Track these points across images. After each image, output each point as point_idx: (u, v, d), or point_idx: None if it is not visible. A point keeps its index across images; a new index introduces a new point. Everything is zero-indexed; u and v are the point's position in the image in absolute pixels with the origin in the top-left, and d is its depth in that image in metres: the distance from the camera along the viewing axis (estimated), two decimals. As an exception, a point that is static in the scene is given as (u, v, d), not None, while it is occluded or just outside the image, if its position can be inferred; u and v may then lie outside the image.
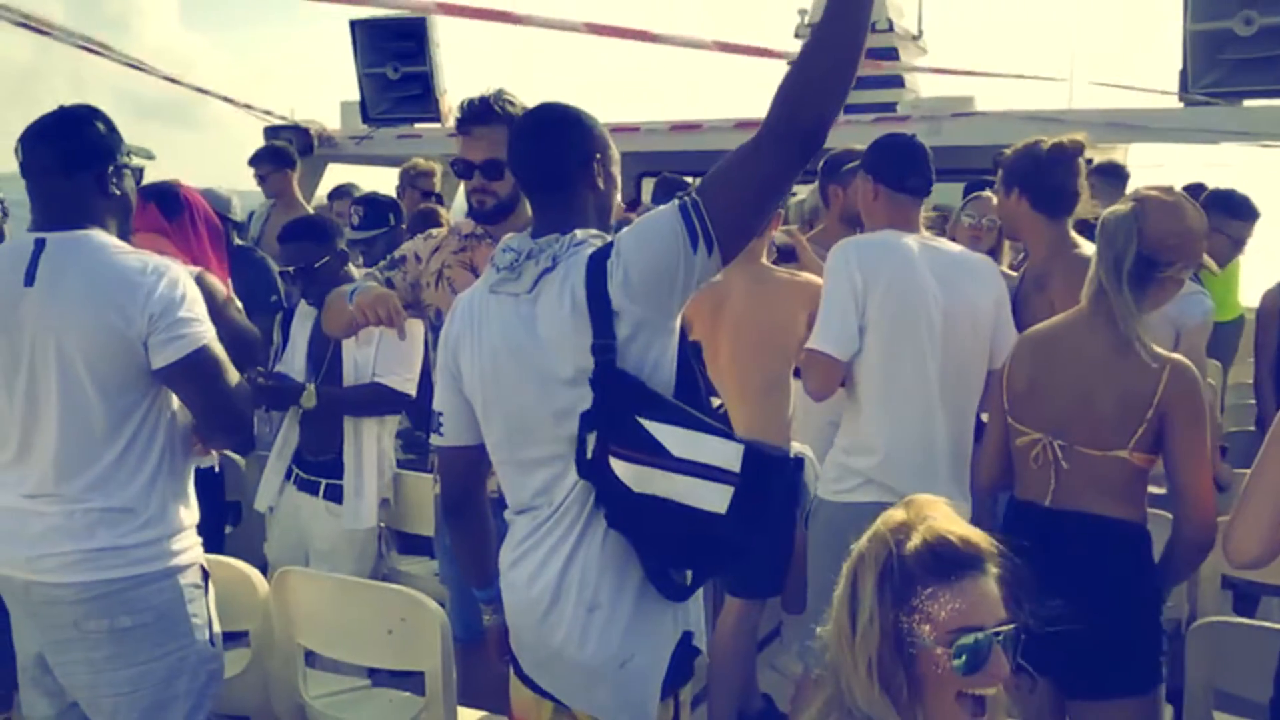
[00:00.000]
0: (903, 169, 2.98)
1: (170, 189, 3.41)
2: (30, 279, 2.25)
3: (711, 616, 3.36)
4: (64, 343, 2.23)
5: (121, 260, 2.27)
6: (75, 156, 2.32)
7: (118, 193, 2.38)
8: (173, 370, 2.26)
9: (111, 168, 2.36)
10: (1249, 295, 5.53)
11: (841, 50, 1.73)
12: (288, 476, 3.57)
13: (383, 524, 3.59)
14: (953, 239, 3.99)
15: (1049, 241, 3.01)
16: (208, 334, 2.31)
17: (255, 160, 5.93)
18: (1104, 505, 2.41)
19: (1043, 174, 2.95)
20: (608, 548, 1.90)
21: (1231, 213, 4.58)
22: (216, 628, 2.44)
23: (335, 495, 3.47)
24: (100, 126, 2.35)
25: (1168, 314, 3.57)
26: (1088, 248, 2.76)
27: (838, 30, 1.73)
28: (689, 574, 1.96)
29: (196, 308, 2.30)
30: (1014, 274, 3.44)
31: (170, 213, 3.36)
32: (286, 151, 6.10)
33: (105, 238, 2.31)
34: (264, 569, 3.25)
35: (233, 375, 2.36)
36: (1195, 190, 4.67)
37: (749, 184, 1.78)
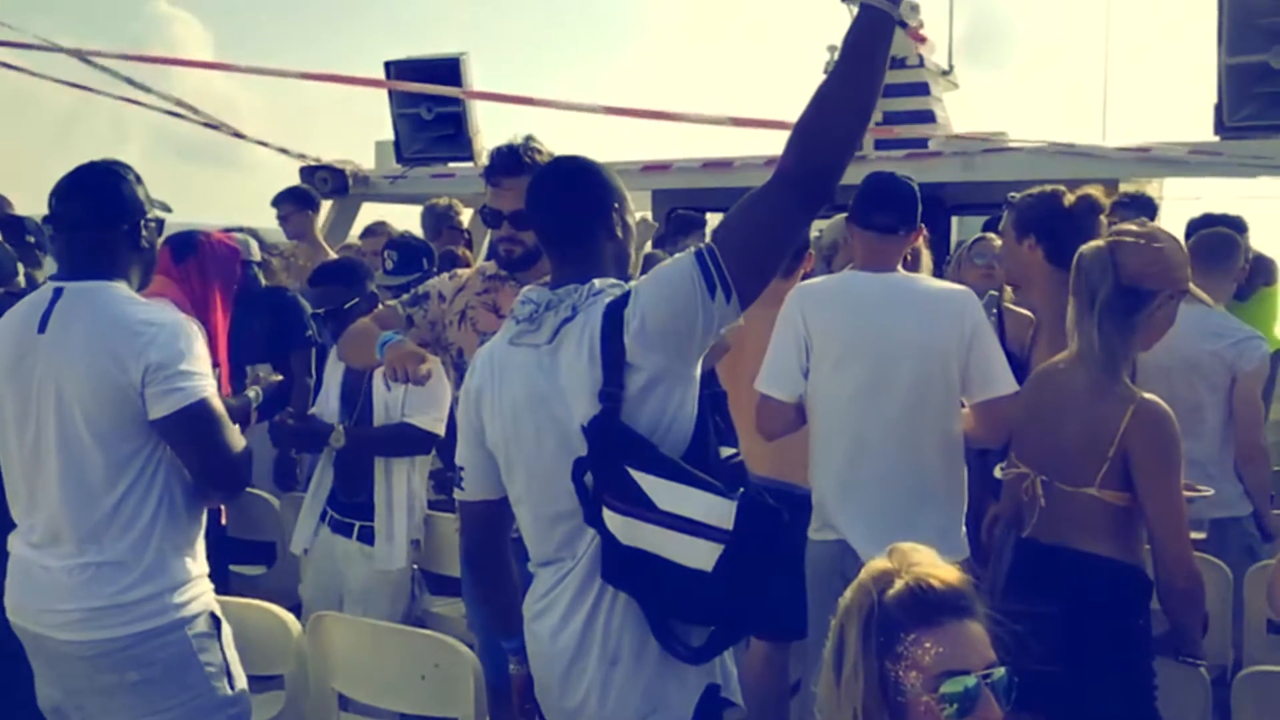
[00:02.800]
0: (869, 207, 2.96)
1: (190, 236, 3.48)
2: (43, 327, 2.30)
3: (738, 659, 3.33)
4: (63, 389, 2.26)
5: (127, 311, 2.29)
6: (111, 211, 2.36)
7: (146, 246, 2.43)
8: (168, 423, 2.26)
9: (143, 221, 2.40)
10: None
11: (854, 99, 1.73)
12: (322, 518, 3.58)
13: (415, 565, 3.59)
14: (961, 281, 3.97)
15: (1051, 290, 2.97)
16: (207, 389, 2.30)
17: (278, 201, 5.94)
18: (1085, 541, 2.38)
19: (1067, 227, 2.88)
20: (631, 601, 1.88)
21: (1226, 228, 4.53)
22: (237, 671, 2.42)
23: (369, 537, 3.48)
24: (133, 181, 2.40)
25: (1224, 358, 3.54)
26: None
27: (851, 80, 1.73)
28: (703, 635, 1.89)
29: (198, 362, 2.30)
30: (1027, 313, 3.38)
31: (178, 257, 3.42)
32: (309, 193, 6.11)
33: (120, 289, 2.34)
34: (299, 610, 3.25)
35: (231, 431, 2.35)
36: (1236, 223, 4.61)
37: (762, 230, 1.79)
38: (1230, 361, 3.53)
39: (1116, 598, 2.38)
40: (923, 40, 7.81)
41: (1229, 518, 3.58)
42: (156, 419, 2.26)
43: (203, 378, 2.31)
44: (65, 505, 2.27)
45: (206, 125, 5.93)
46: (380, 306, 3.60)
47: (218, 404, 2.33)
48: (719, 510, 1.77)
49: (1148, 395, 2.36)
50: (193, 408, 2.26)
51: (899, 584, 1.45)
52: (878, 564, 1.51)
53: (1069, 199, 2.93)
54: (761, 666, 3.40)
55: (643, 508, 1.77)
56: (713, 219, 8.31)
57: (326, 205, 8.28)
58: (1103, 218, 2.92)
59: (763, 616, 1.89)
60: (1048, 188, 3.00)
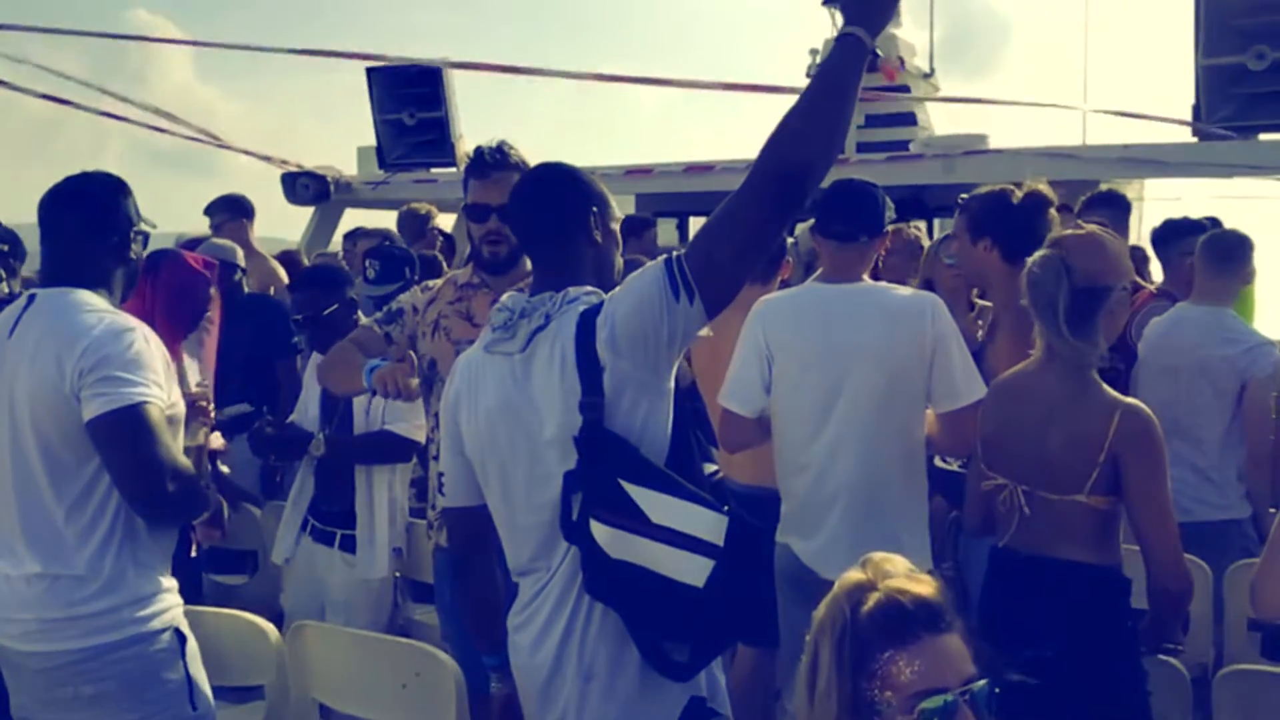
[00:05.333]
0: (828, 215, 2.93)
1: (159, 256, 3.45)
2: (12, 332, 2.29)
3: (725, 665, 3.32)
4: (15, 394, 2.24)
5: (79, 317, 2.25)
6: (102, 222, 2.35)
7: (134, 258, 2.41)
8: (95, 425, 2.18)
9: (133, 233, 2.39)
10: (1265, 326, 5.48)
11: (829, 112, 1.74)
12: (303, 527, 3.56)
13: (397, 573, 3.58)
14: (928, 282, 3.95)
15: (1009, 289, 2.96)
16: (144, 396, 2.20)
17: (211, 209, 5.70)
18: (1070, 550, 2.37)
19: (1020, 225, 2.84)
20: (607, 615, 1.86)
21: (1194, 233, 4.55)
22: (203, 690, 2.35)
23: (350, 546, 3.47)
24: (124, 193, 2.39)
25: (1236, 364, 3.54)
26: None
27: (828, 95, 1.75)
28: (688, 651, 1.87)
29: (138, 370, 2.21)
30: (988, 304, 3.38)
31: (143, 273, 3.39)
32: (242, 201, 5.89)
33: (87, 296, 2.31)
34: (281, 620, 3.23)
35: (164, 447, 2.22)
36: (1205, 226, 4.63)
37: (732, 236, 1.78)
38: (1242, 368, 3.53)
39: (1108, 604, 2.39)
40: (892, 75, 7.88)
41: (1230, 520, 3.58)
42: (87, 421, 2.19)
43: (140, 385, 2.20)
44: (17, 512, 2.24)
45: (189, 138, 5.88)
46: (358, 315, 3.58)
47: (154, 415, 2.21)
48: (712, 524, 1.76)
49: (1129, 400, 2.37)
50: (119, 412, 2.17)
51: (872, 599, 1.40)
52: (851, 576, 1.45)
53: (1017, 196, 2.90)
54: (748, 674, 3.38)
55: (635, 521, 1.76)
56: (694, 222, 8.33)
57: (307, 211, 8.27)
58: (1052, 211, 2.90)
59: (747, 626, 1.88)
60: (996, 186, 2.98)
